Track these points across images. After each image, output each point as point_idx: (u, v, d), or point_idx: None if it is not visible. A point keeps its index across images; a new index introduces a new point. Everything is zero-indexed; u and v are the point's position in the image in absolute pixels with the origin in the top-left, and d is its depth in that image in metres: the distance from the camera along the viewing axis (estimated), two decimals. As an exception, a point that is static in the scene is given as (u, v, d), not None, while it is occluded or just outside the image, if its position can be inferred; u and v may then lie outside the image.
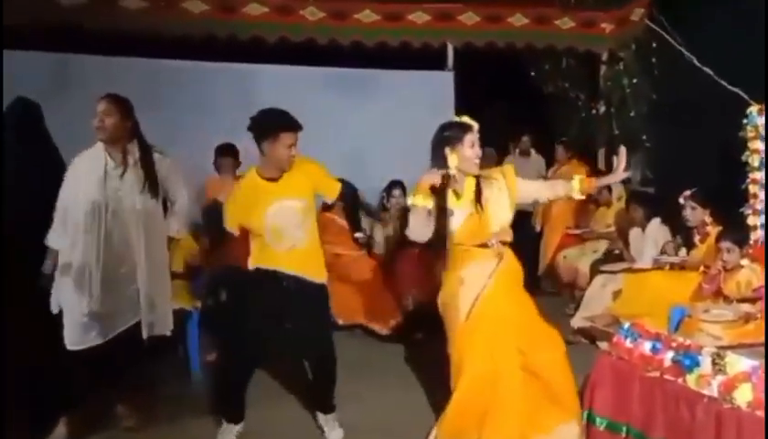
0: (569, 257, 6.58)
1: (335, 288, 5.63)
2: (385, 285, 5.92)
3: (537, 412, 3.44)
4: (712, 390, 2.80)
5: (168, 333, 3.96)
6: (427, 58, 7.48)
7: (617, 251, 6.16)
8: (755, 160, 5.02)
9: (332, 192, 3.86)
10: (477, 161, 3.45)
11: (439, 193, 3.38)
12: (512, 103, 8.27)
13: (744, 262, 4.49)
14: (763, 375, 2.70)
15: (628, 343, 3.33)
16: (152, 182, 3.76)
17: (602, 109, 7.89)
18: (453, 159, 3.38)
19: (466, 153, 3.41)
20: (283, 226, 3.58)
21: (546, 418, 3.46)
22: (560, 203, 7.27)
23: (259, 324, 3.65)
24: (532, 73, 8.24)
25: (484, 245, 3.46)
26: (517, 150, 7.96)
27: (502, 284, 3.47)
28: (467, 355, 3.41)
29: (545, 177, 7.46)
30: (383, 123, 7.10)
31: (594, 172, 7.23)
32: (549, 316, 3.66)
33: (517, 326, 3.45)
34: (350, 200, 5.90)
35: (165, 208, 3.98)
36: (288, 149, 3.53)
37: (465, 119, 3.49)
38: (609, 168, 7.78)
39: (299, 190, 3.62)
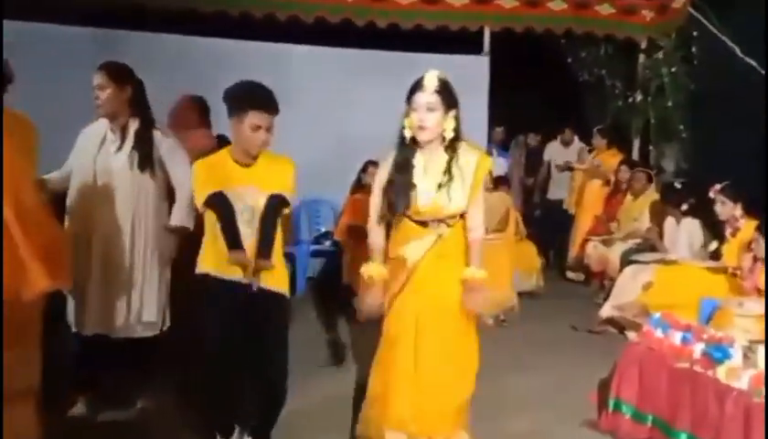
0: (599, 246, 6.54)
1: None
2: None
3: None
4: (742, 383, 2.80)
5: (154, 332, 3.48)
6: (462, 42, 7.42)
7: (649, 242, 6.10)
8: (794, 154, 4.94)
9: None
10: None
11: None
12: (548, 90, 8.21)
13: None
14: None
15: (658, 333, 3.33)
16: (144, 157, 3.37)
17: (639, 97, 7.81)
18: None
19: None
20: None
21: None
22: (593, 189, 7.27)
23: None
24: (569, 60, 8.20)
25: None
26: (559, 138, 7.99)
27: None
28: None
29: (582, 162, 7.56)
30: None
31: (628, 161, 7.20)
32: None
33: None
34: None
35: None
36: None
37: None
38: (644, 158, 7.77)
39: None
